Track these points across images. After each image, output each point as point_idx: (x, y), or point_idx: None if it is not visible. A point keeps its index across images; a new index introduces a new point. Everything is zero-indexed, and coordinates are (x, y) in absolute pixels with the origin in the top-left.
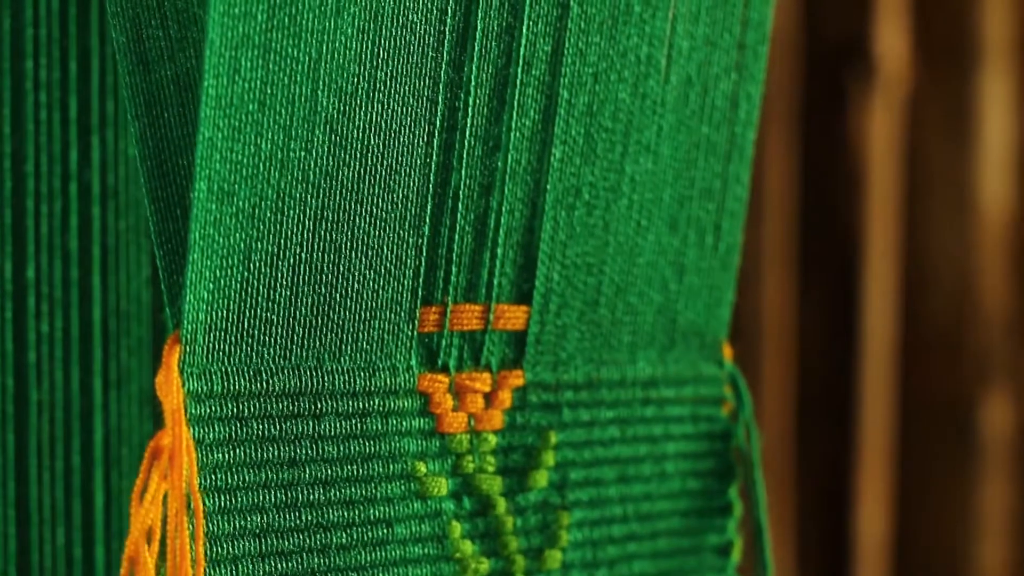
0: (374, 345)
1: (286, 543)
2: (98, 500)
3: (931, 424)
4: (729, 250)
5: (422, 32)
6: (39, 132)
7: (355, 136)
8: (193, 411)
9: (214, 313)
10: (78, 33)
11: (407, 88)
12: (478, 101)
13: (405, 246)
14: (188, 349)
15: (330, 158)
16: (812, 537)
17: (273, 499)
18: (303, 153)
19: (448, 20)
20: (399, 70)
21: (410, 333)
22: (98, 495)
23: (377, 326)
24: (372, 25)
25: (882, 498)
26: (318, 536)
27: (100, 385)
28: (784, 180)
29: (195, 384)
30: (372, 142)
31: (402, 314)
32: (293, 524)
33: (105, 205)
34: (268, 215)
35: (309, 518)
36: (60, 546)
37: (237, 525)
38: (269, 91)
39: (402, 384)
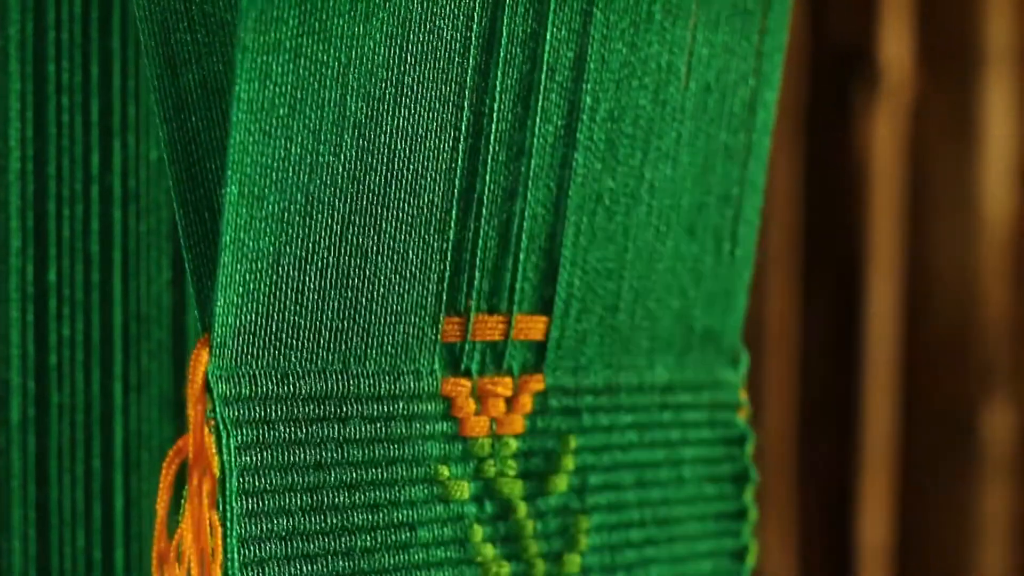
0: (399, 349)
1: (312, 546)
2: (118, 503)
3: (934, 430)
4: (745, 256)
5: (449, 38)
6: (61, 135)
7: (383, 141)
8: (222, 414)
9: (243, 316)
10: (100, 37)
11: (434, 93)
12: (503, 107)
13: (430, 250)
14: (217, 352)
15: (358, 162)
16: (815, 542)
17: (300, 502)
18: (332, 157)
19: (474, 26)
20: (426, 75)
21: (434, 337)
22: (118, 498)
23: (402, 330)
24: (400, 31)
25: (885, 503)
26: (343, 539)
27: (120, 388)
28: (788, 186)
29: (223, 387)
30: (399, 147)
31: (426, 318)
32: (319, 527)
33: (126, 208)
34: (297, 219)
35: (335, 521)
36: (80, 548)
37: (264, 528)
38: (299, 95)
39: (426, 388)
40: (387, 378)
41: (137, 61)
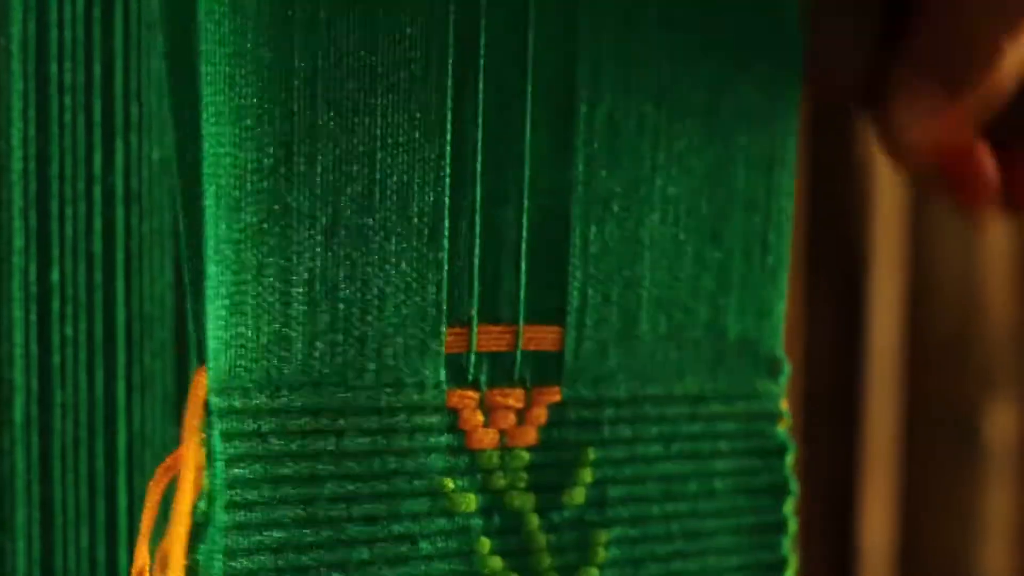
0: (400, 361)
1: (304, 558)
2: (121, 502)
3: (936, 432)
4: (778, 262)
5: (423, 44)
6: (63, 135)
7: (360, 150)
8: (216, 426)
9: (232, 329)
10: (102, 36)
11: (411, 102)
12: (488, 112)
13: (425, 260)
14: (211, 365)
15: (336, 172)
16: (817, 543)
17: (292, 515)
18: (306, 167)
19: (449, 32)
20: (399, 84)
21: (437, 348)
22: (121, 497)
23: (402, 341)
24: (367, 39)
25: (887, 505)
26: (338, 552)
27: (124, 388)
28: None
29: (216, 400)
30: (379, 156)
31: (427, 329)
32: (312, 540)
33: (129, 208)
34: (276, 229)
35: (329, 534)
36: (84, 548)
37: (255, 540)
38: (265, 106)
39: (430, 400)
40: (388, 391)
41: (139, 61)
